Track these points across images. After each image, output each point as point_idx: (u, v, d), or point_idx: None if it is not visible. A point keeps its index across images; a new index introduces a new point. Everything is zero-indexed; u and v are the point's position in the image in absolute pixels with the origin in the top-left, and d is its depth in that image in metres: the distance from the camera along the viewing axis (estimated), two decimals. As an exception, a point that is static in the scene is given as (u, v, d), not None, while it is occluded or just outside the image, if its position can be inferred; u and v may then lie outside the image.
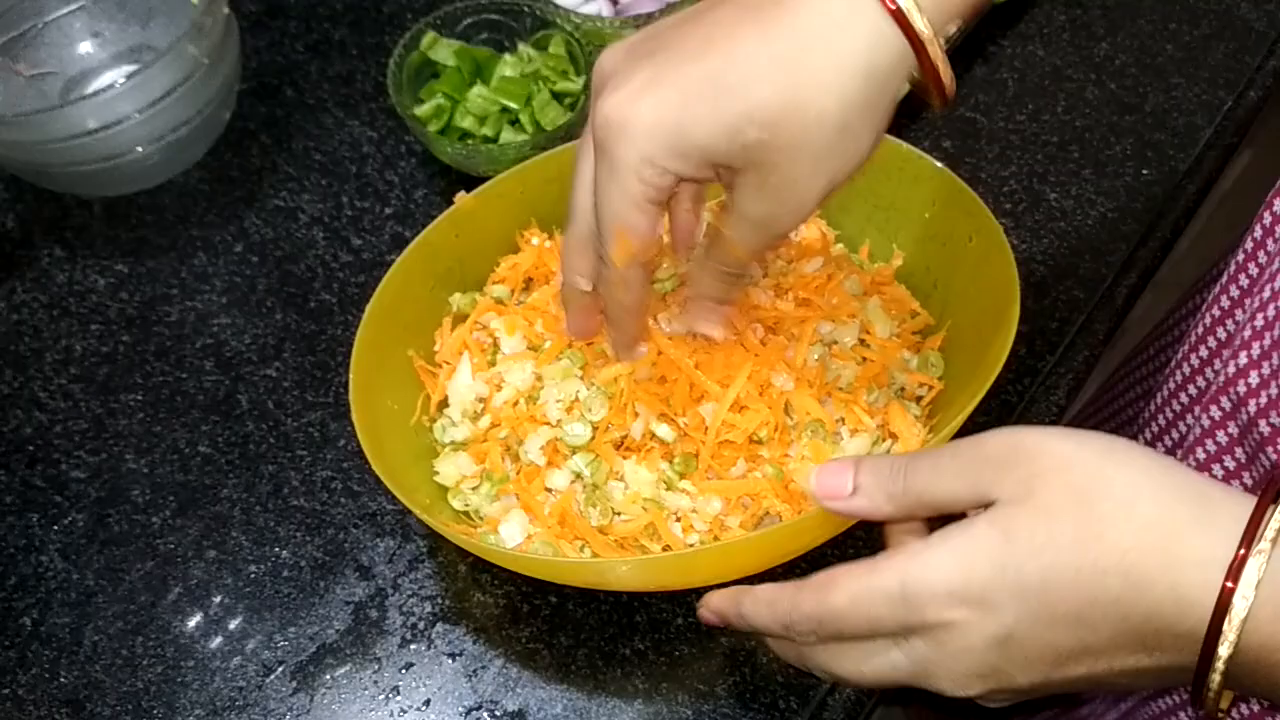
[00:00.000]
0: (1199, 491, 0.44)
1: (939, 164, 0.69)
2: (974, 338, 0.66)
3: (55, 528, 0.72)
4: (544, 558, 0.62)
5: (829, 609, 0.47)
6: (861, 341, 0.69)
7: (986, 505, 0.46)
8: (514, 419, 0.67)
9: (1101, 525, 0.43)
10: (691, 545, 0.62)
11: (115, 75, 0.89)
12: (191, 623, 0.68)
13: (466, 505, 0.66)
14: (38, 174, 0.83)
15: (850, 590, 0.47)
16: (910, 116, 0.90)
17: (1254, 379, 0.60)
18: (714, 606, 0.55)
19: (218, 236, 0.85)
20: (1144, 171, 0.86)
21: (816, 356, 0.67)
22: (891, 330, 0.69)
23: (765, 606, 0.51)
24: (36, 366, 0.79)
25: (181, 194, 0.87)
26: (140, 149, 0.81)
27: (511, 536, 0.63)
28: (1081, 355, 0.78)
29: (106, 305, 0.82)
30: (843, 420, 0.65)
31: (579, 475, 0.64)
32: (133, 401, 0.77)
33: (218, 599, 0.69)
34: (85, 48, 0.90)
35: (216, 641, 0.67)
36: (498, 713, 0.65)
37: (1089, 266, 0.81)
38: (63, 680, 0.66)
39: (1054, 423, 0.78)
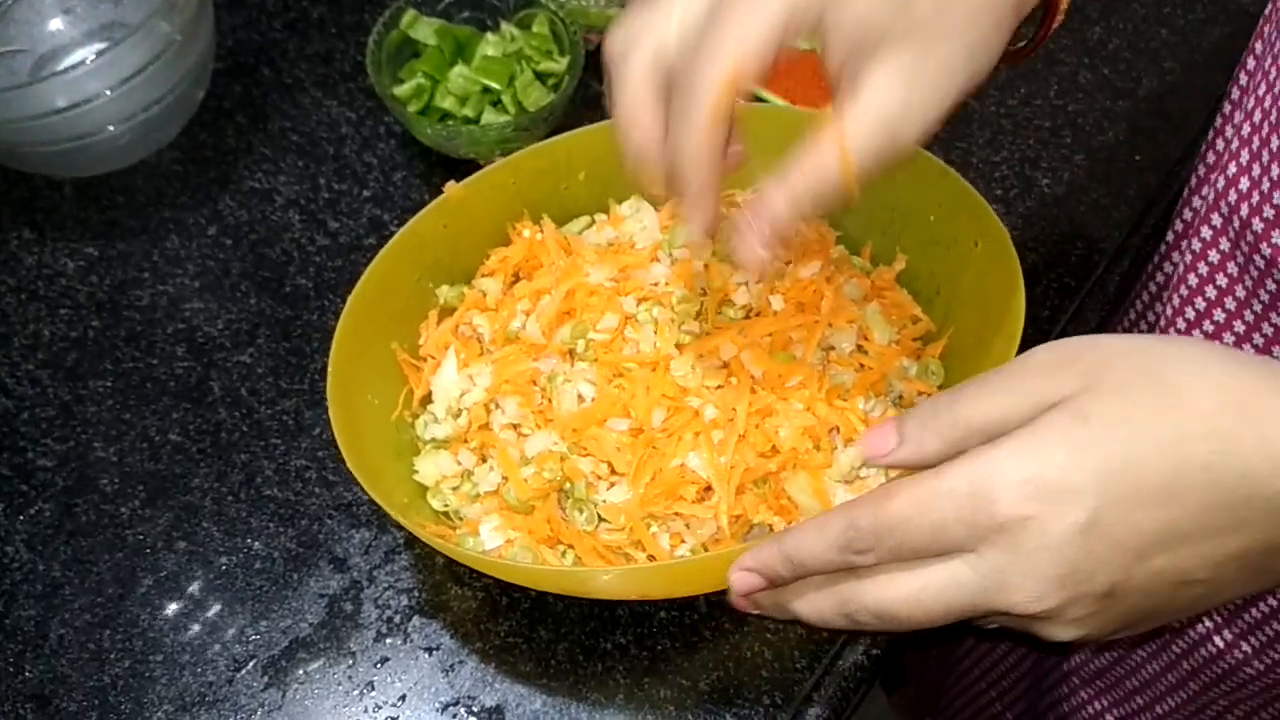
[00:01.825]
0: (1259, 360, 0.43)
1: (945, 165, 0.66)
2: (976, 346, 0.64)
3: (21, 517, 0.70)
4: (525, 565, 0.60)
5: (889, 517, 0.44)
6: (859, 348, 0.67)
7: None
8: (484, 420, 0.66)
9: (1179, 394, 0.41)
10: (680, 557, 0.61)
11: (86, 53, 0.87)
12: (160, 616, 0.66)
13: (446, 505, 0.64)
14: (7, 154, 0.80)
15: (912, 495, 0.43)
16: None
17: (1244, 184, 0.60)
18: (750, 563, 0.51)
19: (191, 219, 0.83)
20: (1137, 157, 0.85)
21: (815, 361, 0.65)
22: (891, 336, 0.67)
23: (814, 534, 0.47)
24: (3, 351, 0.77)
25: (154, 175, 0.85)
26: (111, 128, 0.79)
27: (490, 539, 0.62)
28: (1073, 344, 0.77)
29: (76, 289, 0.79)
30: (837, 429, 0.63)
31: (562, 489, 0.63)
32: (102, 388, 0.75)
33: (188, 591, 0.67)
34: (56, 24, 0.88)
35: (186, 635, 0.66)
36: (475, 709, 0.63)
37: (1080, 254, 0.80)
38: (28, 674, 0.65)
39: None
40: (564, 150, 0.71)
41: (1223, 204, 0.61)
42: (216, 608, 0.67)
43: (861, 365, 0.65)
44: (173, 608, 0.67)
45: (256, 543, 0.69)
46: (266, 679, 0.64)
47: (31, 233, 0.82)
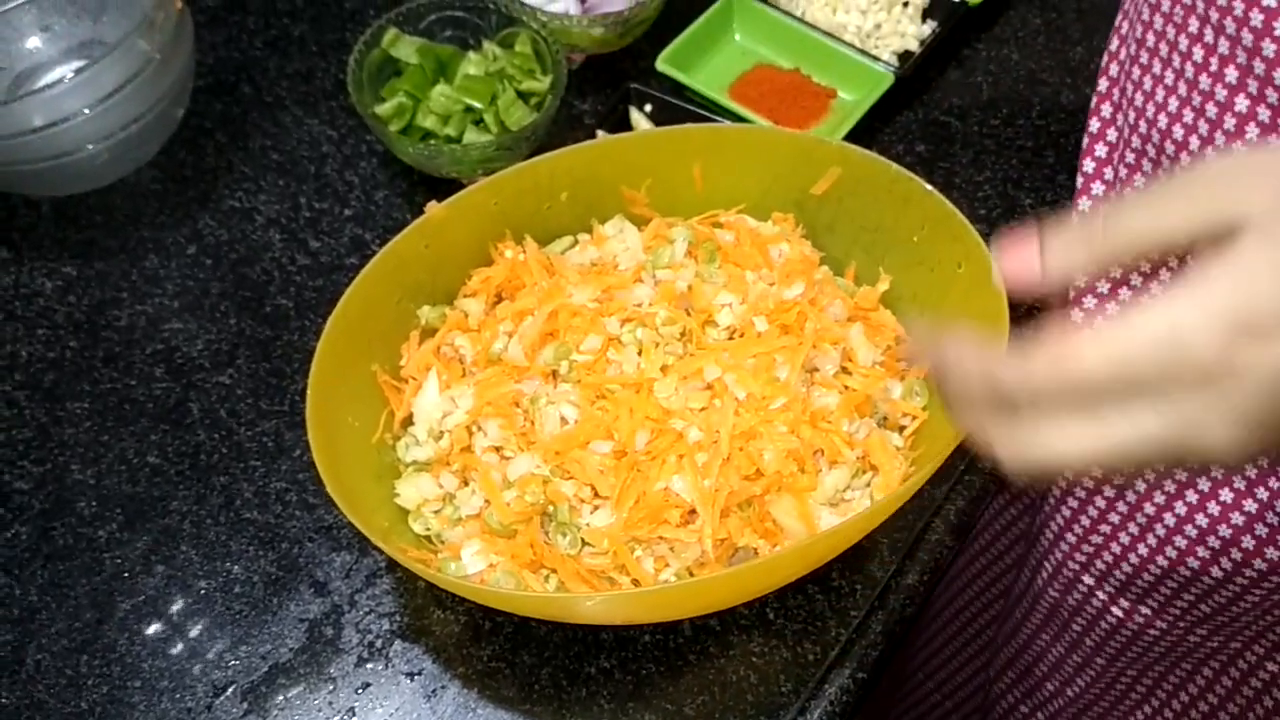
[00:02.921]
0: None
1: (929, 186, 0.66)
2: None
3: (-4, 541, 0.69)
4: (508, 591, 0.60)
5: (1074, 373, 0.39)
6: (843, 369, 0.66)
7: (1230, 232, 0.39)
8: (466, 442, 0.65)
9: None
10: (665, 581, 0.60)
11: (65, 71, 0.86)
12: (139, 641, 0.66)
13: (428, 529, 0.64)
14: (-17, 173, 0.80)
15: (1103, 348, 0.38)
16: (884, 120, 0.88)
17: (1099, 149, 0.65)
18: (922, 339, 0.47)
19: (170, 238, 0.82)
20: (1119, 177, 0.85)
21: (799, 383, 0.64)
22: (875, 358, 0.67)
23: (975, 364, 0.42)
24: (-21, 372, 0.76)
25: (133, 194, 0.84)
26: (90, 147, 0.78)
27: (473, 563, 0.61)
28: (1056, 364, 0.77)
29: (54, 309, 0.79)
30: (821, 451, 0.63)
31: (545, 512, 0.62)
32: (79, 410, 0.74)
33: (166, 616, 0.66)
34: (34, 42, 0.87)
35: (164, 660, 0.65)
36: (457, 734, 0.63)
37: (1064, 274, 0.80)
38: (4, 701, 0.64)
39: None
40: (546, 170, 0.70)
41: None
42: (195, 632, 0.66)
43: (846, 387, 0.65)
44: (151, 632, 0.66)
45: (236, 566, 0.68)
46: (246, 705, 0.63)
47: (9, 252, 0.82)
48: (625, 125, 0.87)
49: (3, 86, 0.85)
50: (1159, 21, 0.60)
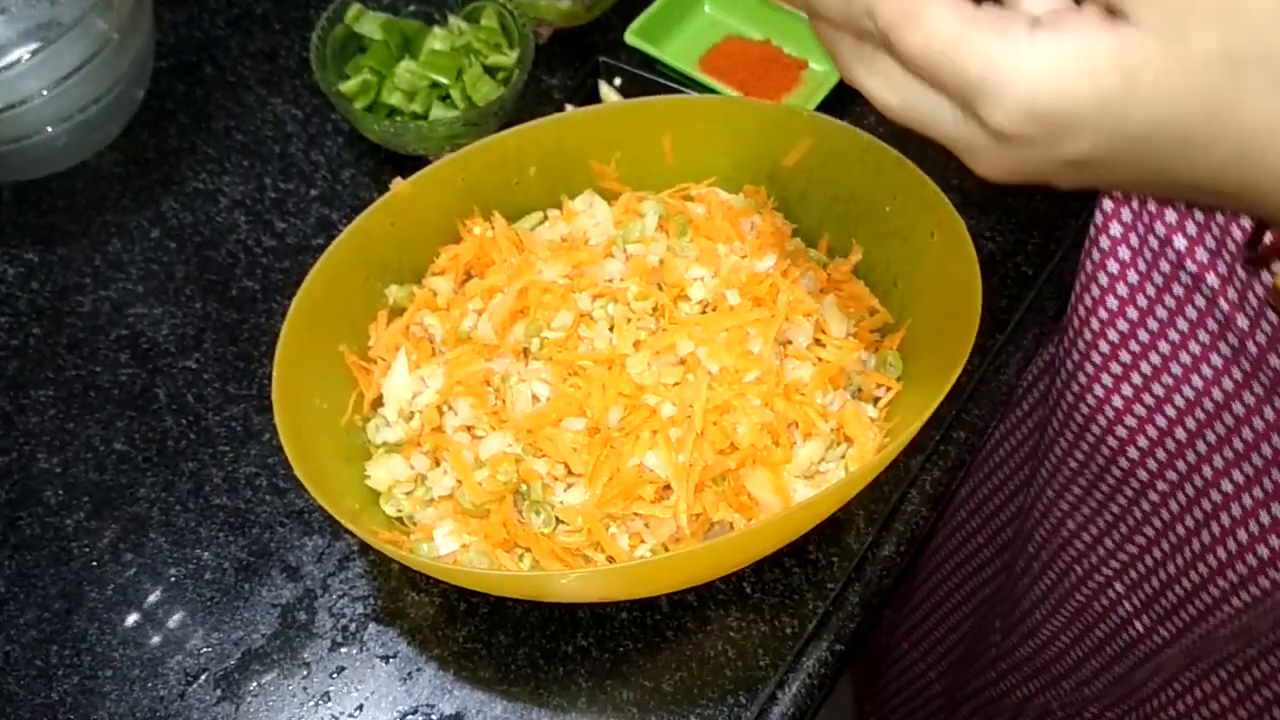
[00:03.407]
0: None
1: (901, 155, 0.65)
2: (934, 337, 0.63)
3: (-38, 532, 0.68)
4: (481, 571, 0.59)
5: (902, 44, 0.39)
6: (817, 341, 0.66)
7: (1110, 9, 0.37)
8: (437, 422, 0.64)
9: (1242, 95, 0.36)
10: (640, 557, 0.60)
11: (21, 53, 0.84)
12: (109, 630, 0.65)
13: (400, 510, 0.63)
14: (-60, 158, 0.78)
15: (932, 37, 0.38)
16: (855, 91, 0.87)
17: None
18: None
19: (133, 222, 0.81)
20: (1092, 144, 0.85)
21: (772, 355, 0.64)
22: (848, 329, 0.67)
23: None
24: (-59, 361, 0.74)
25: (95, 177, 0.83)
26: (49, 129, 0.77)
27: (445, 544, 0.60)
28: (1031, 333, 0.77)
29: (16, 296, 0.77)
30: (795, 424, 0.62)
31: (518, 490, 0.62)
32: (44, 397, 0.73)
33: (136, 604, 0.65)
34: (-10, 25, 0.85)
35: (136, 650, 0.64)
36: (434, 716, 0.62)
37: (1037, 242, 0.80)
38: (-29, 694, 0.63)
39: (1004, 401, 0.77)
40: (514, 145, 0.70)
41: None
42: (167, 621, 0.65)
43: (819, 359, 0.65)
44: (121, 622, 0.65)
45: (206, 553, 0.67)
46: (219, 692, 0.63)
47: (-32, 239, 0.80)
48: (594, 99, 0.86)
49: (-42, 70, 0.84)
50: None
